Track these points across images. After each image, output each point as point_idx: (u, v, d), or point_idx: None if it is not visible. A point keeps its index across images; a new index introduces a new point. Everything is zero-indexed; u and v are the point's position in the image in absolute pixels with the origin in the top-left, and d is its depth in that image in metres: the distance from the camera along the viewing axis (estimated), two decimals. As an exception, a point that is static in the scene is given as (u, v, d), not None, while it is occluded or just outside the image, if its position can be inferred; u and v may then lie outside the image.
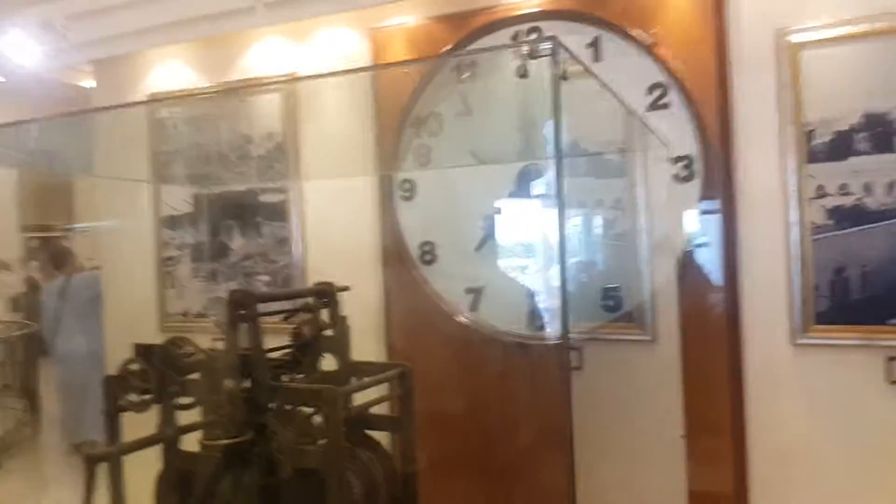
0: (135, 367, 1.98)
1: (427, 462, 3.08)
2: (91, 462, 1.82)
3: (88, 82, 4.49)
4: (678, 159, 3.02)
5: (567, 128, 3.27)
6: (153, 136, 4.11)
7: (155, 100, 4.12)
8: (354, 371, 2.15)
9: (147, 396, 1.97)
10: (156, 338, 2.08)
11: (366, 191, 3.60)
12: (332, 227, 3.74)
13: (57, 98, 5.28)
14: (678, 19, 3.01)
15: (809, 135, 2.86)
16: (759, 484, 2.98)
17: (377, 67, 3.58)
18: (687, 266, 3.00)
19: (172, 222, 4.15)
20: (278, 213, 3.88)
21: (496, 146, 3.28)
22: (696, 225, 3.00)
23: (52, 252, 7.41)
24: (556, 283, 3.22)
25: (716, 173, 2.96)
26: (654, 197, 2.96)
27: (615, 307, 3.14)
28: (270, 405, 1.81)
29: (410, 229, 3.53)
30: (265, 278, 3.91)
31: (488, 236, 3.36)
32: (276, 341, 2.17)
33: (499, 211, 3.35)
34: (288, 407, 1.80)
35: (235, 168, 3.95)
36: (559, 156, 1.63)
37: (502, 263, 3.36)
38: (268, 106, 3.86)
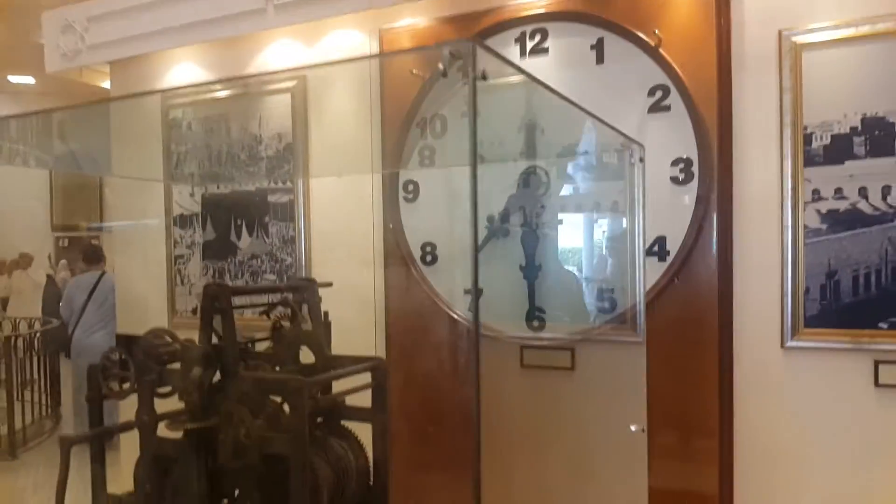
0: (115, 357, 2.03)
1: (414, 453, 3.14)
2: (65, 445, 1.89)
3: (108, 83, 4.61)
4: (676, 161, 3.02)
5: (563, 131, 3.34)
6: (167, 135, 4.21)
7: (156, 91, 4.23)
8: (332, 364, 2.18)
9: (126, 385, 2.03)
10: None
11: (370, 193, 3.64)
12: (337, 227, 3.80)
13: (79, 98, 5.42)
14: (681, 20, 3.01)
15: (808, 138, 2.84)
16: (745, 485, 2.97)
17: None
18: (681, 268, 2.99)
19: (183, 221, 4.24)
20: (286, 213, 3.95)
21: (493, 148, 3.31)
22: (692, 227, 2.99)
23: (84, 248, 7.61)
24: (551, 285, 3.31)
25: (714, 176, 2.95)
26: (650, 199, 2.95)
27: (609, 308, 3.15)
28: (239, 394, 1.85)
29: (412, 230, 3.57)
30: (271, 277, 3.97)
31: (490, 236, 3.37)
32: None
33: (501, 212, 3.38)
34: (255, 396, 1.85)
35: (245, 168, 4.03)
36: (474, 159, 1.64)
37: (500, 265, 3.38)
38: (277, 106, 3.93)
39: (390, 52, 3.67)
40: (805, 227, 2.84)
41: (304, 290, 2.25)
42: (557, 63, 3.25)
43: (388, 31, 3.60)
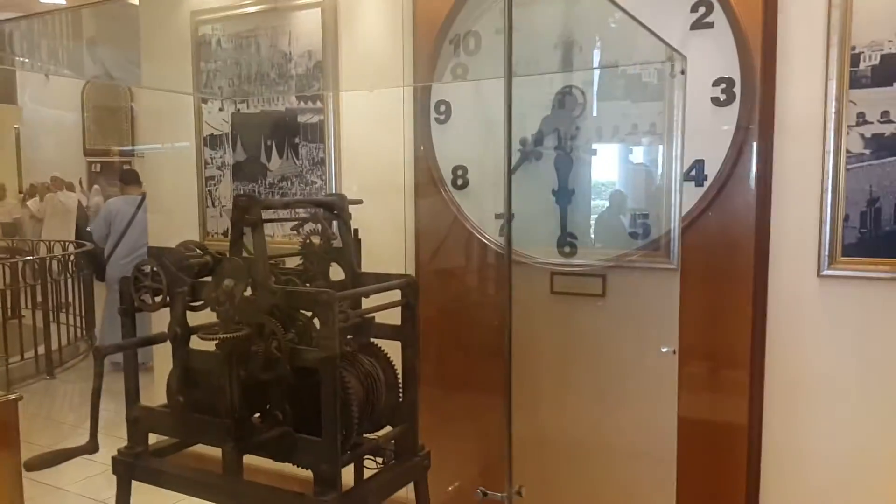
0: (147, 269, 2.04)
1: (443, 374, 3.16)
2: (98, 355, 1.91)
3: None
4: (718, 82, 2.92)
5: (602, 48, 3.23)
6: (196, 52, 4.16)
7: None
8: (362, 281, 2.18)
9: (158, 298, 2.04)
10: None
11: (400, 111, 3.57)
12: (367, 149, 3.75)
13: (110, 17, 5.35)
14: (727, -68, 2.87)
15: (855, 58, 2.73)
16: (775, 416, 2.94)
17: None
18: (718, 193, 2.92)
19: (213, 141, 4.22)
20: (316, 134, 3.90)
21: (529, 67, 3.22)
22: (732, 150, 2.90)
23: (121, 171, 7.67)
24: (584, 210, 3.25)
25: (756, 97, 2.85)
26: (689, 121, 2.87)
27: (643, 234, 3.09)
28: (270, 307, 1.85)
29: (444, 153, 3.50)
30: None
31: (523, 159, 3.31)
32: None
33: (535, 133, 3.30)
34: (286, 310, 1.85)
35: (275, 86, 3.98)
36: (509, 77, 1.59)
37: (532, 188, 3.33)
38: (307, 22, 3.84)
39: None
40: (847, 151, 2.75)
41: (335, 206, 2.22)
42: (597, -23, 3.12)
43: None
